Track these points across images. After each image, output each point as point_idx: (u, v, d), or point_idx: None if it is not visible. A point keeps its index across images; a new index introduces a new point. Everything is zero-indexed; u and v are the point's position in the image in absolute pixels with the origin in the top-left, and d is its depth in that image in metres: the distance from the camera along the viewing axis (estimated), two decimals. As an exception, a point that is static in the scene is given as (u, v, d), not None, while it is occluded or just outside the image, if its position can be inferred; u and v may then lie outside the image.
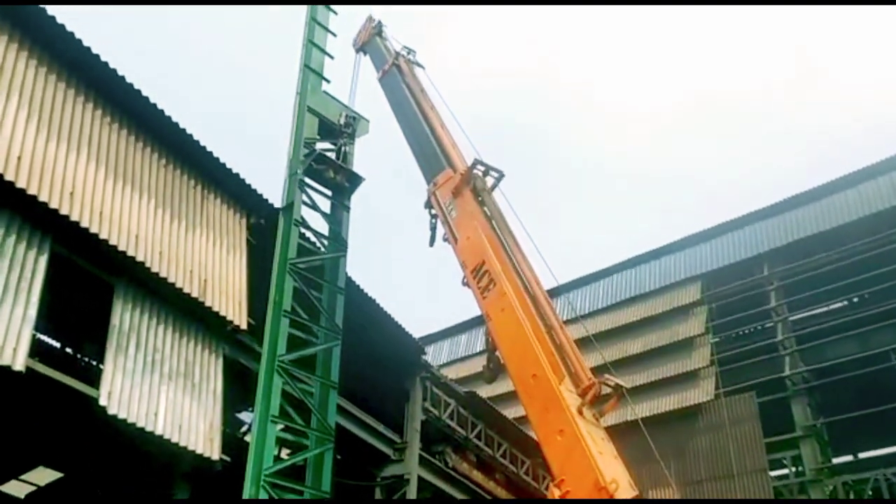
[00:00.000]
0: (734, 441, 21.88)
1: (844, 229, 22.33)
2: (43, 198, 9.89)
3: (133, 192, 11.44)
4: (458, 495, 17.59)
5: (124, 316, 10.92)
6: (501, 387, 23.47)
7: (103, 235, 10.60)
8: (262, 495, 11.24)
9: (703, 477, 21.90)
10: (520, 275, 11.21)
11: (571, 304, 26.45)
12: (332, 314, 13.64)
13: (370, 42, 16.76)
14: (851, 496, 20.24)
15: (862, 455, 24.82)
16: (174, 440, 10.87)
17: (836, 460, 22.30)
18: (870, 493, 19.84)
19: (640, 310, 26.02)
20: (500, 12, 64.36)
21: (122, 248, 10.82)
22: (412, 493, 15.80)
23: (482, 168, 12.37)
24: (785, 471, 22.43)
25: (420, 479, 16.22)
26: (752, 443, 21.60)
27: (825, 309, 23.26)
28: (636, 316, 25.92)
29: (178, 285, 11.55)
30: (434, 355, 30.22)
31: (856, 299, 22.68)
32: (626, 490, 8.11)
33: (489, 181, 12.40)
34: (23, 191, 9.69)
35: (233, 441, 15.43)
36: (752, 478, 21.17)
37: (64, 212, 10.11)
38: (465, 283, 11.74)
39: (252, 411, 13.08)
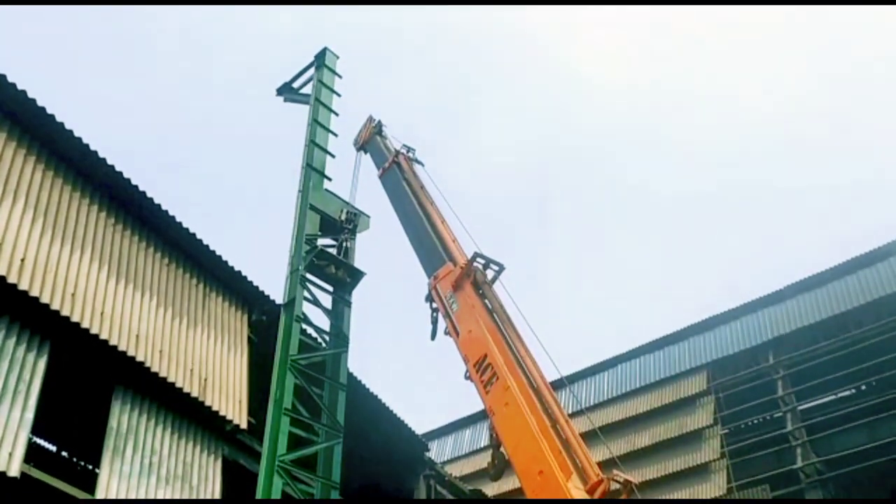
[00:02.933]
0: (751, 538, 21.15)
1: (847, 316, 22.32)
2: (44, 299, 9.91)
3: (135, 292, 11.47)
4: None
5: (122, 418, 10.76)
6: (508, 483, 22.88)
7: (104, 336, 10.56)
8: None
9: (720, 577, 21.06)
10: (523, 368, 11.07)
11: (576, 396, 26.08)
12: (333, 411, 13.41)
13: (370, 141, 17.17)
14: None
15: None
16: (172, 553, 10.52)
17: (857, 556, 21.49)
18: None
19: (647, 401, 25.67)
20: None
21: (122, 348, 10.77)
22: None
23: (482, 261, 12.42)
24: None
25: (425, 584, 15.60)
26: (769, 539, 20.89)
27: (833, 397, 22.93)
28: (643, 407, 25.54)
29: (178, 385, 11.43)
30: (438, 451, 29.59)
31: (863, 387, 22.39)
32: None
33: (489, 274, 12.43)
34: (24, 293, 9.72)
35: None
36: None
37: (65, 313, 10.11)
38: (468, 377, 11.59)
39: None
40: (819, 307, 23.07)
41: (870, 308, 21.80)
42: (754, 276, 61.08)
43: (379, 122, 17.23)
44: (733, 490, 22.07)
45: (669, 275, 69.80)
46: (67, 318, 10.12)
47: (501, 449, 11.21)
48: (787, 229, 66.54)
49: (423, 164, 15.91)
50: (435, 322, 13.15)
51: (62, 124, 10.97)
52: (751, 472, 22.40)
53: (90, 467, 14.24)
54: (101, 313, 10.69)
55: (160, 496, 10.67)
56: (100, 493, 9.91)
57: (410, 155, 16.15)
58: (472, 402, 28.47)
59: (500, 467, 11.82)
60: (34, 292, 9.80)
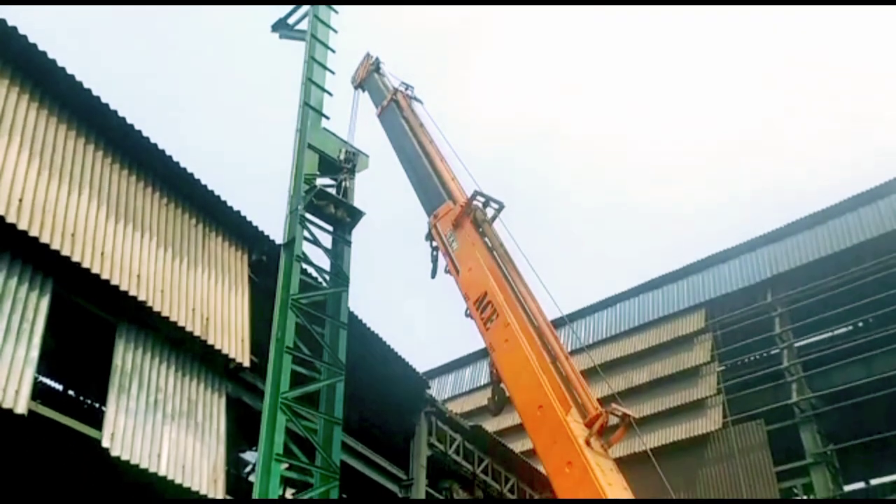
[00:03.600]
0: (744, 470, 21.62)
1: (846, 253, 22.30)
2: (44, 239, 9.90)
3: (134, 232, 11.45)
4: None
5: (126, 356, 10.87)
6: (508, 420, 23.32)
7: (105, 276, 10.58)
8: (268, 535, 11.07)
9: (714, 508, 21.60)
10: (523, 306, 11.15)
11: (576, 334, 26.31)
12: (335, 350, 13.56)
13: (368, 79, 16.92)
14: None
15: (874, 481, 24.49)
16: (178, 481, 10.74)
17: (847, 487, 21.96)
18: (884, 520, 19.53)
19: (645, 339, 25.91)
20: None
21: (123, 287, 10.80)
22: (419, 530, 15.58)
23: (482, 199, 12.39)
24: (796, 500, 22.11)
25: (427, 516, 16.01)
26: (763, 472, 21.35)
27: (830, 334, 23.13)
28: (641, 345, 25.79)
29: (181, 324, 11.51)
30: (438, 389, 30.03)
31: (860, 324, 22.55)
32: (637, 522, 7.96)
33: (489, 212, 12.41)
34: (24, 233, 9.70)
35: (237, 481, 15.26)
36: (764, 508, 20.88)
37: (65, 253, 10.11)
38: (468, 315, 11.68)
39: (256, 451, 12.93)
40: (819, 245, 23.08)
41: (870, 245, 21.78)
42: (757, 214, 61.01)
43: (377, 59, 16.96)
44: (728, 424, 22.47)
45: (673, 211, 69.85)
46: (68, 259, 10.13)
47: (502, 385, 11.38)
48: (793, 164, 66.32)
49: (421, 102, 15.73)
50: (435, 260, 13.20)
51: (55, 61, 10.78)
52: (746, 408, 22.75)
53: (97, 405, 14.45)
54: (102, 253, 10.69)
55: (166, 433, 10.86)
56: (107, 430, 10.07)
57: (409, 93, 15.95)
58: (472, 340, 28.82)
59: (500, 403, 12.02)
60: (34, 232, 9.79)
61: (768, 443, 21.60)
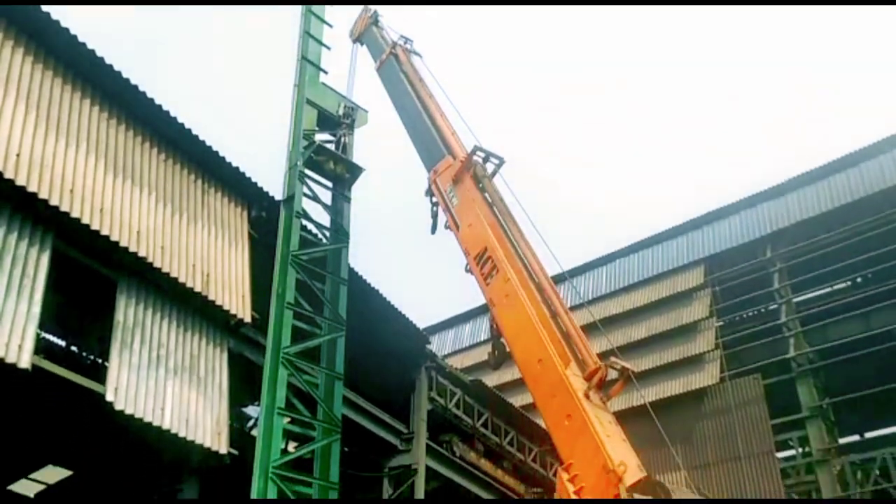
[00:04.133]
0: (741, 423, 21.91)
1: (847, 209, 22.24)
2: (43, 195, 9.86)
3: (133, 188, 11.40)
4: (466, 484, 17.62)
5: (128, 311, 10.91)
6: (508, 375, 23.54)
7: (104, 232, 10.56)
8: (271, 488, 11.25)
9: (710, 460, 21.96)
10: (523, 261, 11.17)
11: (576, 289, 26.39)
12: (335, 305, 13.63)
13: (367, 32, 16.69)
14: (858, 476, 20.23)
15: (869, 434, 24.85)
16: (181, 434, 10.87)
17: (842, 440, 22.29)
18: (877, 472, 19.84)
19: (644, 295, 26.01)
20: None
21: (123, 244, 10.79)
22: (420, 482, 15.82)
23: (482, 154, 12.32)
24: (792, 452, 22.45)
25: (428, 468, 16.24)
26: (759, 425, 21.64)
27: (829, 289, 23.21)
28: (640, 301, 25.90)
29: (181, 280, 11.53)
30: (438, 345, 30.25)
31: (859, 279, 22.63)
32: (634, 472, 8.08)
33: (489, 168, 12.35)
34: (22, 188, 9.66)
35: (240, 435, 15.46)
36: (759, 460, 21.22)
37: (64, 208, 10.07)
38: (469, 271, 11.71)
39: (258, 405, 13.09)
40: (819, 200, 23.00)
41: (871, 200, 21.69)
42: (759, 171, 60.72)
43: (375, 11, 16.70)
44: (726, 379, 22.69)
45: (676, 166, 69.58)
46: (67, 214, 10.09)
47: (502, 339, 11.47)
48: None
49: (420, 56, 15.53)
50: (435, 216, 13.18)
51: (48, 14, 10.61)
52: (744, 363, 22.97)
53: (100, 361, 14.55)
54: (101, 209, 10.65)
55: (169, 387, 10.95)
56: (110, 385, 10.15)
57: (408, 46, 15.74)
58: (472, 296, 28.89)
59: (500, 357, 12.13)
60: (32, 187, 9.74)
61: (765, 397, 21.85)
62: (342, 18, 16.80)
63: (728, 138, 69.84)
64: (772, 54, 67.44)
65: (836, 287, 23.03)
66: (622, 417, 9.72)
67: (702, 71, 71.32)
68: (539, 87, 72.36)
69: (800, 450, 22.17)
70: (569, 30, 71.49)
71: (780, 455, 22.00)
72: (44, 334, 14.10)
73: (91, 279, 11.27)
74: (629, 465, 8.10)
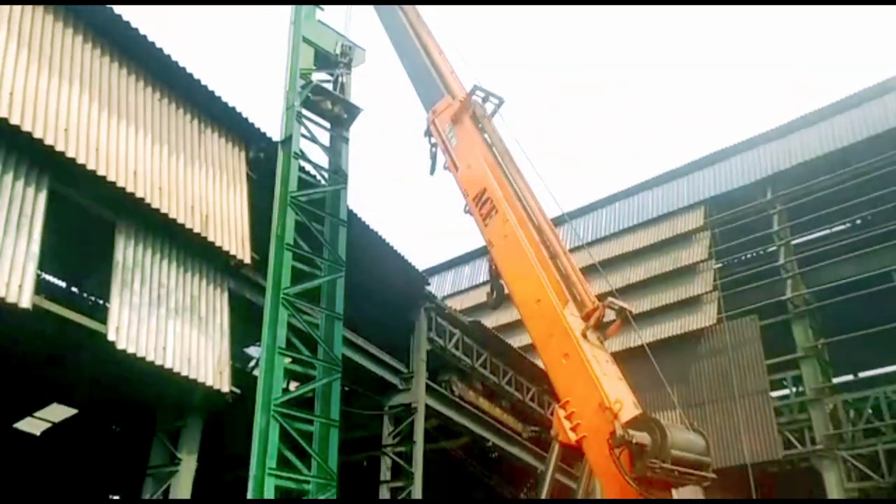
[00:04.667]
0: (736, 364, 22.20)
1: (849, 150, 22.08)
2: (38, 134, 9.74)
3: (129, 128, 11.27)
4: (465, 422, 17.94)
5: (127, 252, 10.91)
6: (506, 316, 23.75)
7: (101, 172, 10.48)
8: (273, 424, 11.45)
9: (705, 399, 22.33)
10: (522, 202, 11.11)
11: (576, 231, 26.40)
12: (334, 246, 13.65)
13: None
14: (851, 414, 20.56)
15: (862, 374, 25.21)
16: (184, 373, 11.00)
17: (836, 380, 22.60)
18: (870, 411, 20.15)
19: (644, 237, 26.05)
20: None
21: (121, 184, 10.72)
22: (420, 421, 16.09)
23: (482, 94, 12.13)
24: (786, 391, 22.79)
25: (427, 407, 16.50)
26: (754, 365, 21.93)
27: (828, 231, 23.22)
28: (640, 243, 25.95)
29: (180, 221, 11.50)
30: (438, 287, 30.40)
31: (858, 221, 22.61)
32: (629, 410, 8.20)
33: (489, 108, 12.18)
34: (17, 127, 9.54)
35: (242, 375, 15.65)
36: (754, 399, 21.57)
37: (60, 148, 9.97)
38: (468, 211, 11.66)
39: (259, 345, 13.22)
40: (821, 142, 22.82)
41: (874, 141, 21.50)
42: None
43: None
44: (723, 320, 22.90)
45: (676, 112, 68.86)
46: (63, 154, 10.00)
47: (500, 280, 11.49)
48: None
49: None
50: (434, 157, 13.06)
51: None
52: (740, 304, 23.12)
53: (101, 302, 14.65)
54: (97, 149, 10.55)
55: (171, 326, 11.03)
56: (111, 324, 10.22)
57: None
58: (471, 238, 28.93)
59: (499, 298, 12.16)
60: (26, 127, 9.61)
61: (761, 338, 22.08)
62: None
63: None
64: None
65: (834, 229, 23.03)
66: (619, 359, 9.81)
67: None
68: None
69: (794, 389, 22.51)
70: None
71: (775, 394, 22.32)
72: (44, 275, 14.17)
73: (89, 220, 11.24)
74: (625, 403, 8.21)
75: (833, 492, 19.68)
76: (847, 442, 20.14)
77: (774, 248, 23.43)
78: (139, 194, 10.96)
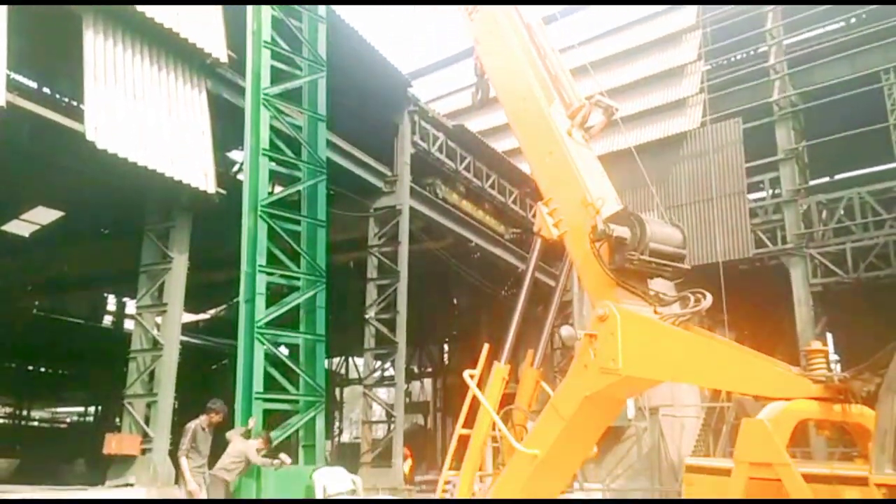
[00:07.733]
0: (717, 166, 22.46)
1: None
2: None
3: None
4: (449, 224, 18.31)
5: (97, 49, 10.45)
6: (490, 120, 23.56)
7: (60, -40, 9.81)
8: (261, 224, 11.63)
9: (684, 201, 22.78)
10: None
11: (565, 29, 25.47)
12: (313, 45, 13.17)
13: None
14: (824, 215, 21.09)
15: (838, 176, 25.64)
16: (168, 174, 10.97)
17: (812, 182, 23.00)
18: (842, 211, 20.68)
19: (636, 36, 25.32)
20: None
21: (83, -26, 10.07)
22: (404, 222, 16.39)
23: None
24: (763, 193, 23.22)
25: (411, 209, 16.75)
26: (734, 167, 22.20)
27: (821, 30, 22.60)
28: (631, 43, 25.26)
29: (149, 15, 10.93)
30: (422, 91, 29.75)
31: (853, 20, 21.96)
32: (611, 205, 8.34)
33: None
34: None
35: (226, 179, 15.67)
36: (731, 200, 22.06)
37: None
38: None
39: (242, 149, 13.09)
40: (822, -67, 21.61)
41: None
42: None
43: None
44: (706, 123, 22.85)
45: None
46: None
47: (486, 78, 11.24)
48: None
49: None
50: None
51: None
52: (726, 107, 22.96)
53: (75, 104, 14.27)
54: (53, -65, 9.80)
55: (149, 124, 10.84)
56: (89, 123, 10.01)
57: None
58: (457, 42, 27.78)
59: (484, 97, 11.95)
60: None
61: (742, 140, 22.16)
62: None
63: None
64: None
65: (828, 28, 22.39)
66: (603, 161, 9.84)
67: None
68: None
69: (770, 191, 22.92)
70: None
71: (752, 196, 22.79)
72: (14, 75, 13.66)
73: (54, 16, 10.64)
74: (607, 199, 8.33)
75: (798, 286, 20.65)
76: (817, 240, 20.85)
77: (766, 48, 22.88)
78: (104, -15, 10.32)
